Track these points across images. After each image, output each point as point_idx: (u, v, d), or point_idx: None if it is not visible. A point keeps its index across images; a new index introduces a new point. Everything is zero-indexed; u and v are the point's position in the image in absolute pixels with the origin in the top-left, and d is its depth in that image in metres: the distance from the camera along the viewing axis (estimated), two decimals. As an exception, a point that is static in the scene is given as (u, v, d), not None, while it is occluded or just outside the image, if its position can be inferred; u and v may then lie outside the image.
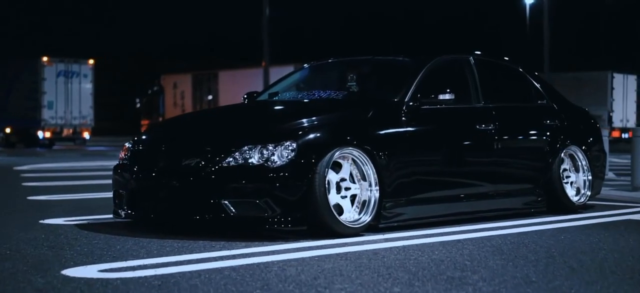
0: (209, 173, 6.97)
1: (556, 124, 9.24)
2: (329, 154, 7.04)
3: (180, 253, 6.18)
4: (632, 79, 42.11)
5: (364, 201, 7.33)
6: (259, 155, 6.95)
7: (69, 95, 36.56)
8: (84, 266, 5.66)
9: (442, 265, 5.79)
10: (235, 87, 41.24)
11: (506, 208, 8.65)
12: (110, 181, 8.13)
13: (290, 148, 6.95)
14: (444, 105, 8.02)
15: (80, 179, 14.87)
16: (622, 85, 40.90)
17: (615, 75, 40.51)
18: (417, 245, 6.73)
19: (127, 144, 7.83)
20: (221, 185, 6.94)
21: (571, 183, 9.42)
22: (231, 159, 6.98)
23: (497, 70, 9.21)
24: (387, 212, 7.44)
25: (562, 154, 9.19)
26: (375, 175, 7.32)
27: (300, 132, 7.07)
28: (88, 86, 37.07)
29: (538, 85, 9.44)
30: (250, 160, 6.94)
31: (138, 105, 49.08)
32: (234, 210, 6.90)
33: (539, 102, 9.37)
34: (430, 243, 6.83)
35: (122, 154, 7.80)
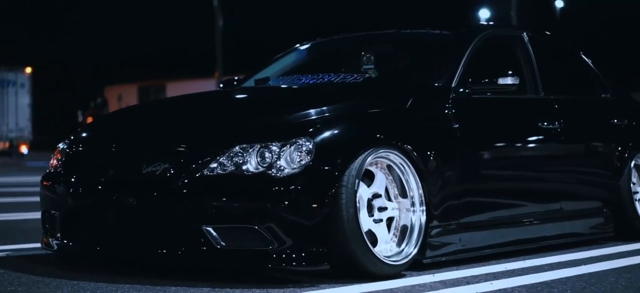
0: (183, 185, 4.73)
1: (624, 125, 7.10)
2: (360, 158, 4.83)
3: (143, 312, 3.93)
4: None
5: (404, 226, 5.12)
6: (259, 159, 4.72)
7: (4, 106, 33.69)
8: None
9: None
10: (185, 99, 38.74)
11: (572, 233, 6.47)
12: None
13: (304, 149, 4.72)
14: (500, 94, 5.84)
15: (8, 196, 12.46)
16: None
17: None
18: (495, 292, 4.53)
19: (60, 145, 5.55)
20: (201, 203, 4.70)
21: (638, 201, 7.27)
22: (216, 165, 4.74)
23: (554, 52, 7.03)
24: (434, 240, 5.23)
25: (631, 164, 7.03)
26: (421, 190, 5.12)
27: (318, 126, 4.85)
28: (25, 96, 34.29)
29: (600, 75, 7.29)
30: (244, 167, 4.71)
31: (80, 118, 46.38)
32: (221, 241, 4.66)
33: (603, 95, 7.22)
34: (512, 288, 4.63)
35: (53, 161, 5.51)
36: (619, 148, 6.88)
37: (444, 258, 5.34)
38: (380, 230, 5.01)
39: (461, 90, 5.66)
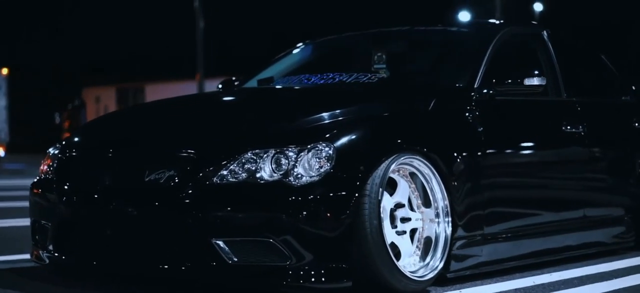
0: (190, 194, 4.30)
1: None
2: (383, 165, 4.42)
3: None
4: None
5: (428, 238, 4.73)
6: (274, 166, 4.31)
7: (-19, 108, 33.14)
8: None
9: None
10: (165, 101, 38.14)
11: (595, 242, 6.10)
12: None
13: (324, 154, 4.31)
14: (525, 96, 5.47)
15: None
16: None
17: None
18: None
19: (51, 151, 5.12)
20: (210, 214, 4.28)
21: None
22: (226, 173, 4.32)
23: (573, 51, 6.65)
24: (458, 252, 4.84)
25: None
26: (446, 200, 4.72)
27: (338, 130, 4.44)
28: (2, 98, 33.67)
29: (619, 76, 6.91)
30: (258, 174, 4.29)
31: (57, 120, 45.69)
32: (232, 256, 4.25)
33: (623, 98, 6.84)
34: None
35: (44, 166, 5.08)
36: None
37: (468, 272, 4.95)
38: (403, 243, 4.62)
39: (485, 91, 5.27)
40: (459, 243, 4.83)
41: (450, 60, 5.70)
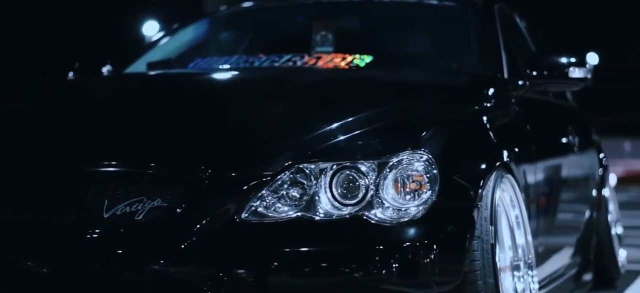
0: (197, 240, 2.45)
1: (597, 141, 5.49)
2: (488, 189, 2.78)
3: None
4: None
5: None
6: (338, 190, 2.53)
7: None
8: None
9: None
10: None
11: (576, 279, 4.74)
12: None
13: (422, 170, 2.57)
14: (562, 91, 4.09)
15: None
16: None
17: None
18: None
19: None
20: (232, 271, 2.45)
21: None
22: (256, 203, 2.50)
23: (538, 40, 5.22)
24: None
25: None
26: (531, 243, 3.17)
27: (433, 133, 2.71)
28: None
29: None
30: (320, 209, 2.51)
31: None
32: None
33: (563, 101, 5.50)
34: None
35: None
36: (595, 170, 5.24)
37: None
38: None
39: (522, 82, 3.76)
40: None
41: (459, 42, 4.03)
